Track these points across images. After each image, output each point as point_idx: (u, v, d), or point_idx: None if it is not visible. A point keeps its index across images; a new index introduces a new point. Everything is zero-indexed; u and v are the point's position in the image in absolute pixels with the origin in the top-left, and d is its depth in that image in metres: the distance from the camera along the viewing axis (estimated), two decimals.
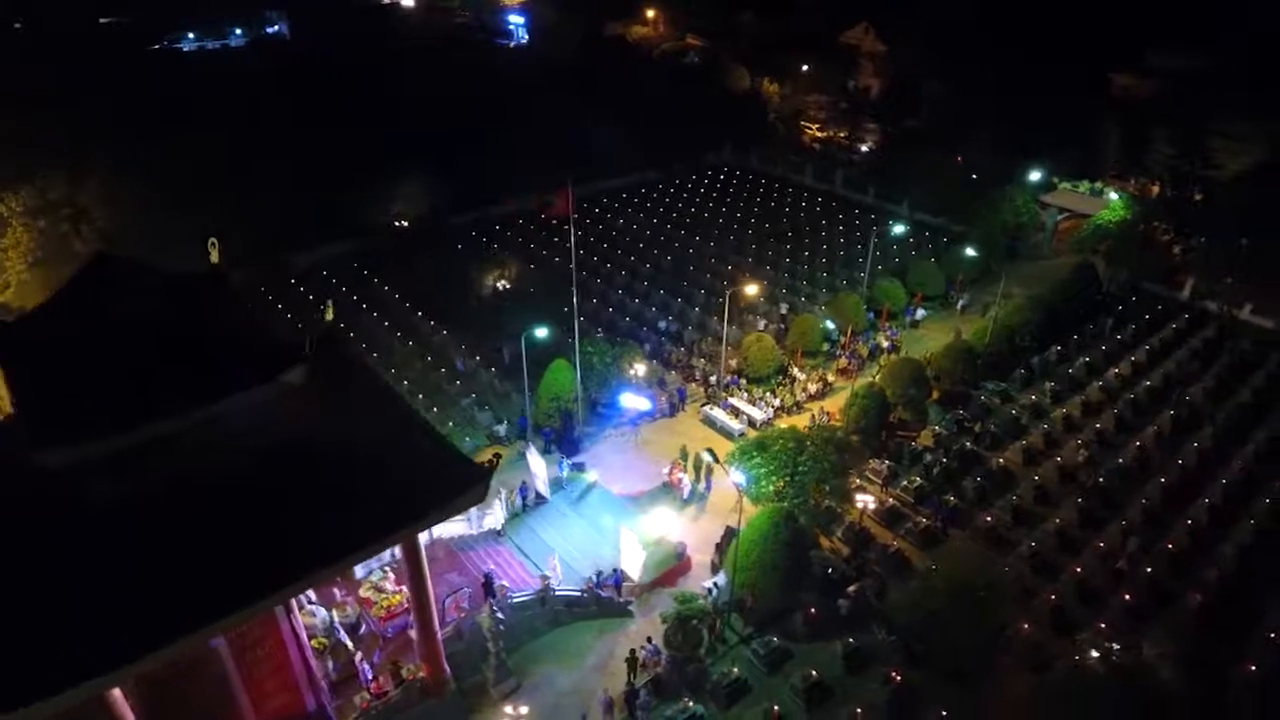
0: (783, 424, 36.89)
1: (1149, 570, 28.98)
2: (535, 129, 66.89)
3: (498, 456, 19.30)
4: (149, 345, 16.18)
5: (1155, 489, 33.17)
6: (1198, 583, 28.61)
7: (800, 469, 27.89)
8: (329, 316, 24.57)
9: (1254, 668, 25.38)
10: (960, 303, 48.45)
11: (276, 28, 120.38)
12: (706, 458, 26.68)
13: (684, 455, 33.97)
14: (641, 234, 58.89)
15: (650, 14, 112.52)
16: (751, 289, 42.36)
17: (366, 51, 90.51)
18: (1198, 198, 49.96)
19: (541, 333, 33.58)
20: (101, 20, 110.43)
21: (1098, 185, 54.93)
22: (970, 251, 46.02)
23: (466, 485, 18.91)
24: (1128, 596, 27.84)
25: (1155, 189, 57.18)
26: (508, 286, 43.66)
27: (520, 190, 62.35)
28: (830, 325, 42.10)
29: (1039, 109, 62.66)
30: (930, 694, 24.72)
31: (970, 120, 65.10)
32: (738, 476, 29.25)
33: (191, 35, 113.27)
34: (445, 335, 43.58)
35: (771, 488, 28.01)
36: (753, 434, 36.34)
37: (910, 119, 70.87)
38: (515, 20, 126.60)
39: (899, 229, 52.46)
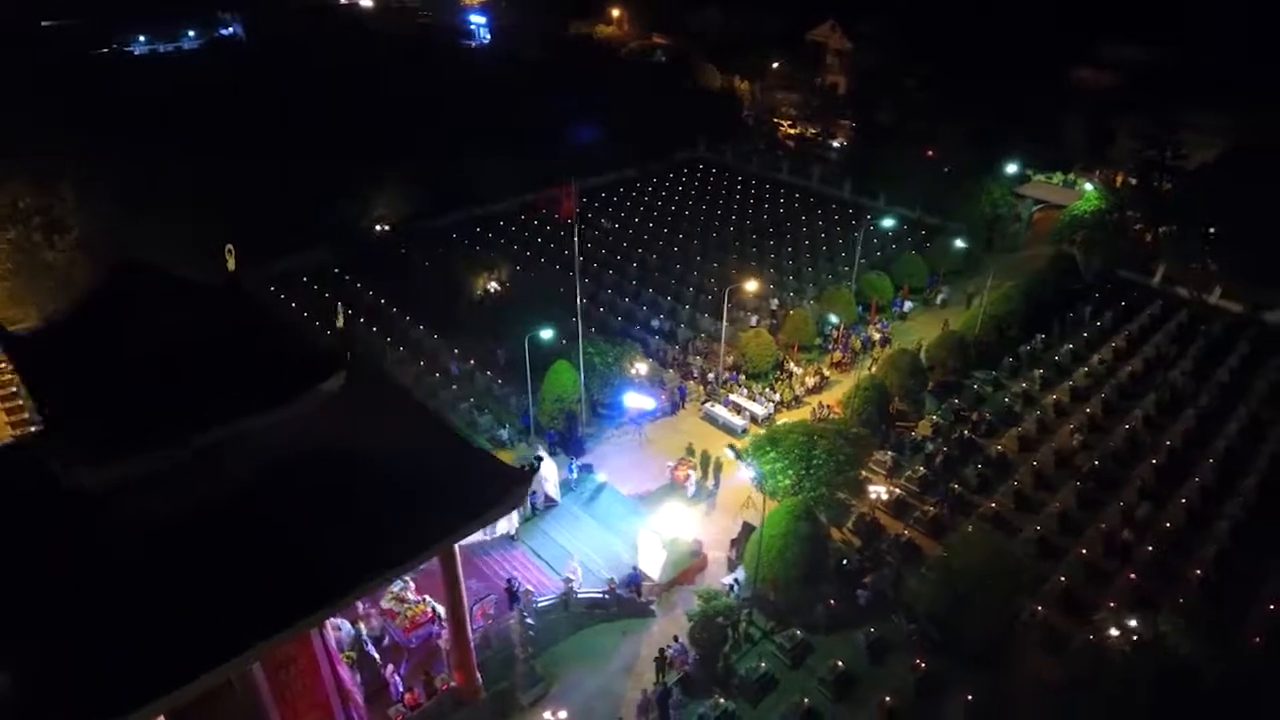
0: (782, 418, 37.31)
1: (1150, 549, 29.87)
2: (511, 129, 66.36)
3: (539, 459, 19.09)
4: (185, 357, 15.61)
5: (1148, 470, 34.16)
6: (1197, 558, 29.58)
7: (815, 462, 28.09)
8: (340, 323, 24.06)
9: (1257, 639, 26.42)
10: (940, 297, 49.17)
11: (230, 29, 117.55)
12: (729, 454, 26.71)
13: (690, 453, 34.01)
14: (624, 232, 58.78)
15: (615, 13, 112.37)
16: (751, 285, 42.51)
17: (329, 53, 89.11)
18: (1166, 187, 51.52)
19: (547, 334, 33.30)
20: (44, 23, 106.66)
21: (1070, 177, 56.37)
22: (960, 243, 46.82)
23: (507, 489, 18.68)
24: (1133, 575, 28.66)
25: (1120, 179, 58.90)
26: (498, 289, 43.15)
27: (499, 192, 61.93)
28: (834, 319, 42.50)
29: (1005, 103, 64.17)
30: (954, 680, 25.12)
31: (939, 115, 66.38)
32: (751, 471, 29.52)
33: (142, 38, 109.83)
34: (436, 339, 42.95)
35: (787, 482, 28.14)
36: (755, 429, 36.63)
37: (881, 114, 71.80)
38: (476, 20, 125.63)
39: (888, 221, 52.99)
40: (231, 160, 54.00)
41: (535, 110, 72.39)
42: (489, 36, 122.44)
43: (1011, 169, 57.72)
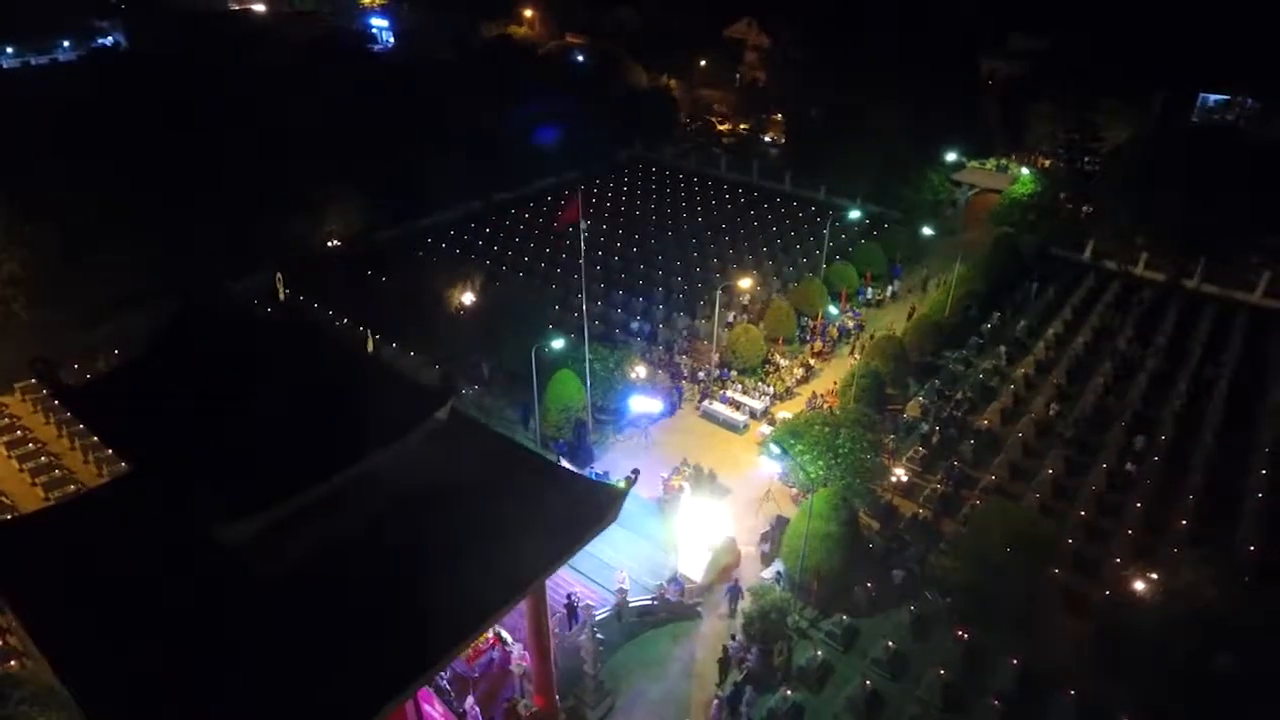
0: (779, 410, 38.14)
1: (1139, 505, 32.18)
2: (445, 135, 64.50)
3: (636, 472, 18.88)
4: (290, 395, 14.58)
5: (1120, 432, 36.71)
6: (1179, 509, 32.05)
7: (840, 451, 28.84)
8: (369, 349, 23.08)
9: (1247, 579, 28.87)
10: (890, 289, 50.97)
11: (110, 39, 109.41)
12: (774, 450, 27.01)
13: (685, 464, 34.14)
14: (579, 234, 58.18)
15: (527, 14, 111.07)
16: (745, 282, 43.26)
17: (229, 61, 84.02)
18: (1088, 168, 55.42)
19: (559, 344, 32.81)
20: None
21: (1003, 162, 59.80)
22: (928, 230, 48.93)
23: (605, 506, 18.40)
24: (1130, 531, 30.85)
25: (1040, 162, 62.86)
26: (475, 300, 42.01)
27: (445, 199, 60.32)
28: (834, 310, 43.74)
29: (927, 96, 67.08)
30: (994, 647, 26.38)
31: (864, 108, 68.75)
32: (774, 467, 30.10)
33: (10, 49, 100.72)
34: (413, 357, 41.50)
35: (817, 473, 28.77)
36: (755, 424, 37.29)
37: (811, 109, 73.83)
38: (379, 24, 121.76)
39: (855, 214, 54.37)
40: (156, 178, 50.26)
41: (464, 114, 70.50)
42: (392, 40, 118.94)
43: (951, 156, 60.57)
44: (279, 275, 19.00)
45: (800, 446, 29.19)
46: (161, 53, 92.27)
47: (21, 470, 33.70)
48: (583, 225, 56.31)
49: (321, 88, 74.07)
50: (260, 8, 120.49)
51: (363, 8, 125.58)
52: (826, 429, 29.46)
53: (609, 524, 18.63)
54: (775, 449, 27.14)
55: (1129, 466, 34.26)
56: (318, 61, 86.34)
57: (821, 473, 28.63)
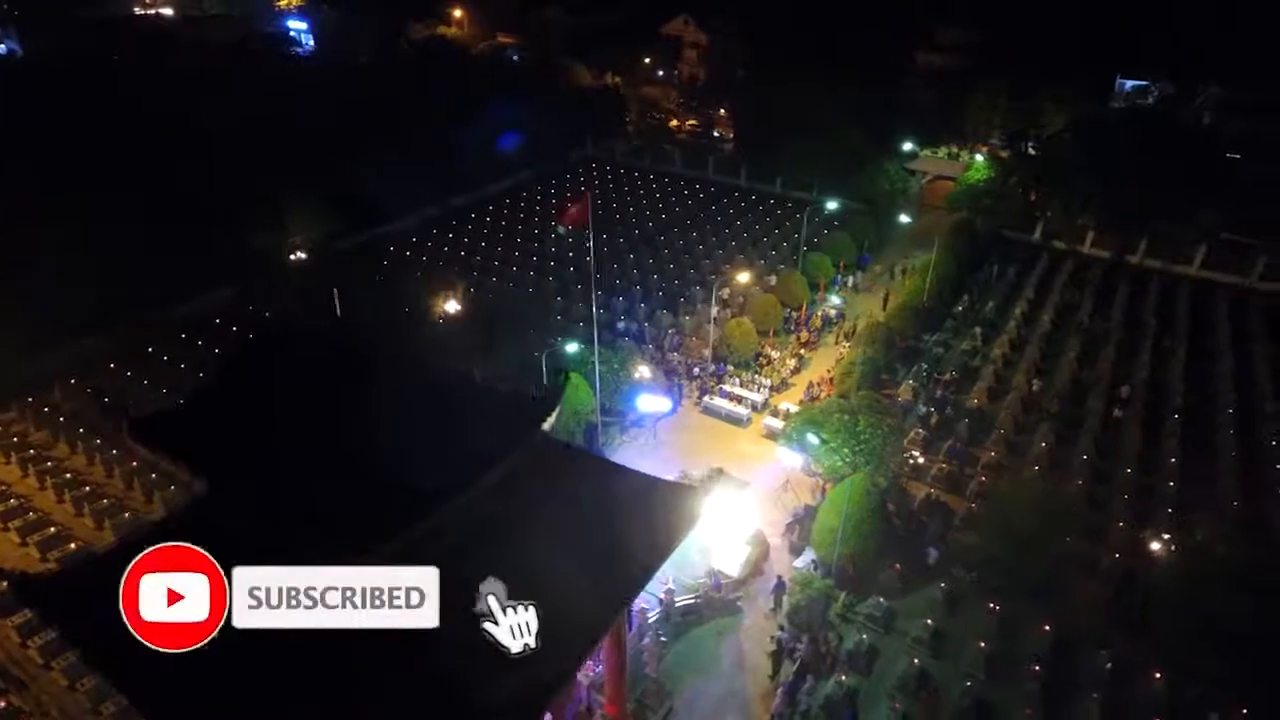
0: (778, 402, 38.61)
1: (1129, 471, 33.93)
2: (388, 139, 62.45)
3: (719, 471, 18.73)
4: (392, 413, 13.88)
5: (1099, 401, 38.62)
6: (1164, 473, 33.95)
7: (862, 436, 29.37)
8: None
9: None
10: (851, 280, 52.05)
11: (3, 47, 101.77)
12: (813, 440, 27.33)
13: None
14: (546, 235, 57.61)
15: (456, 14, 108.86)
16: (744, 277, 43.51)
17: (145, 68, 79.21)
18: (1032, 152, 58.08)
19: (572, 347, 32.31)
20: None
21: (954, 150, 62.00)
22: (905, 219, 50.24)
23: (691, 507, 18.22)
24: (1126, 497, 32.49)
25: (981, 147, 65.49)
26: (459, 307, 40.97)
27: (402, 205, 58.55)
28: (836, 301, 44.45)
29: (862, 90, 68.81)
30: (1021, 615, 27.40)
31: (804, 103, 69.97)
32: (795, 458, 30.47)
33: None
34: None
35: (841, 462, 29.21)
36: (757, 417, 37.65)
37: (756, 104, 74.74)
38: (297, 26, 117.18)
39: (833, 204, 55.11)
40: (88, 193, 46.90)
41: (406, 117, 68.39)
42: (313, 43, 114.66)
43: (908, 146, 62.36)
44: (334, 289, 17.98)
45: (824, 435, 29.57)
46: (67, 59, 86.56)
47: None
48: (562, 229, 56.38)
49: (245, 92, 70.62)
50: (168, 11, 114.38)
51: (279, 10, 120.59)
52: (845, 417, 29.94)
53: (693, 526, 18.46)
54: (812, 439, 27.42)
55: (1117, 413, 37.02)
56: (235, 65, 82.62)
57: (846, 460, 29.09)
